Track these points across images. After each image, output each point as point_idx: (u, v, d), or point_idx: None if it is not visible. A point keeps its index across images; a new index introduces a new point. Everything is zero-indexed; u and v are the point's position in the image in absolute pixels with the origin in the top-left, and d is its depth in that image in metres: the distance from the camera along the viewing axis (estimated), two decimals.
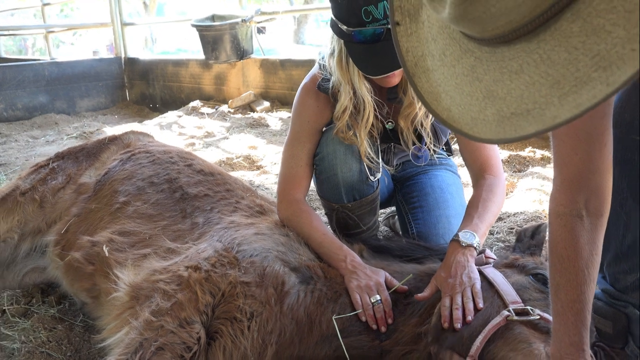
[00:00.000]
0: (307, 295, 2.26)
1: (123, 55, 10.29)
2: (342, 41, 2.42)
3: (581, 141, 1.51)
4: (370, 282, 2.28)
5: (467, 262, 2.25)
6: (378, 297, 2.24)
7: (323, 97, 2.60)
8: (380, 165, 2.69)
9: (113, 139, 3.43)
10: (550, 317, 1.90)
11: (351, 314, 2.24)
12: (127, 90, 10.35)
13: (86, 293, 2.60)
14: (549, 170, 4.36)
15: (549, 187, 4.05)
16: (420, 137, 2.69)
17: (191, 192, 2.77)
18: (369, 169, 2.64)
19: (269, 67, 7.68)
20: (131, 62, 10.18)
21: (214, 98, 8.52)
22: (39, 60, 10.53)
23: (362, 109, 2.51)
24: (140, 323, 2.06)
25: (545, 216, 3.53)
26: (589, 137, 1.49)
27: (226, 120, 7.18)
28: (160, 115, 8.19)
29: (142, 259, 2.42)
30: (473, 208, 2.54)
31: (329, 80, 2.56)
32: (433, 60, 1.26)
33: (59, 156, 3.34)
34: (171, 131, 7.14)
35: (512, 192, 4.16)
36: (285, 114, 7.13)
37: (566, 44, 0.98)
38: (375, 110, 2.55)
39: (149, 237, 2.54)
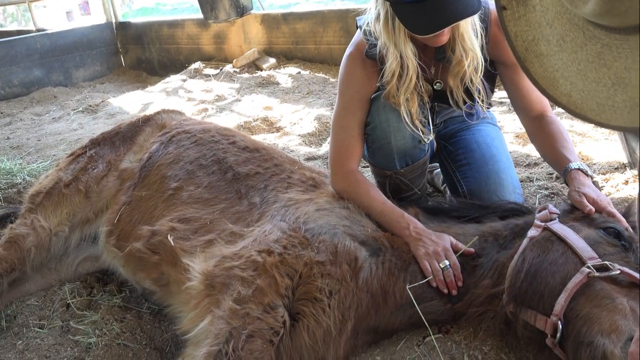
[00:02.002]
0: (379, 268, 2.30)
1: (114, 20, 10.02)
2: (387, 3, 2.37)
3: None
4: (438, 247, 2.31)
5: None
6: (447, 262, 2.28)
7: (370, 64, 2.56)
8: (431, 127, 2.68)
9: (146, 120, 3.39)
10: (630, 272, 1.94)
11: (423, 281, 2.27)
12: (121, 56, 10.13)
13: (152, 282, 2.62)
14: None
15: (578, 126, 4.06)
16: (468, 94, 2.66)
17: (242, 172, 2.76)
18: (421, 132, 2.63)
19: (271, 22, 7.51)
20: (123, 26, 9.92)
21: (215, 58, 8.35)
22: (29, 32, 10.21)
23: (406, 73, 2.48)
24: (224, 312, 2.09)
25: (582, 158, 3.54)
26: None
27: (234, 81, 7.07)
28: (163, 80, 8.05)
29: (208, 245, 2.43)
30: (564, 141, 2.57)
31: (375, 45, 2.51)
32: (548, 45, 1.23)
33: (95, 142, 3.32)
34: (179, 97, 7.04)
35: None
36: (293, 69, 7.02)
37: None
38: (419, 73, 2.51)
39: (210, 222, 2.55)
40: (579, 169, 2.41)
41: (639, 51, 1.07)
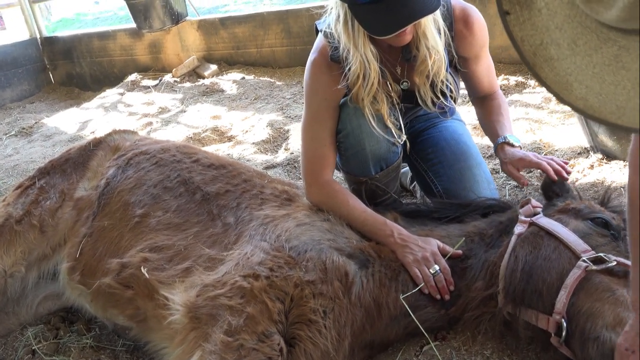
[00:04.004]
0: (369, 280, 2.22)
1: (38, 36, 9.51)
2: (346, 5, 2.29)
3: None
4: (426, 253, 2.26)
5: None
6: (437, 267, 2.22)
7: (336, 67, 2.48)
8: (403, 128, 2.62)
9: (97, 143, 3.19)
10: (626, 261, 1.93)
11: (415, 290, 2.21)
12: (50, 73, 9.64)
13: (127, 318, 2.45)
14: (528, 97, 4.40)
15: (534, 114, 4.11)
16: (435, 92, 2.61)
17: (211, 191, 2.62)
18: (395, 133, 2.57)
19: (208, 27, 7.29)
20: (49, 41, 9.44)
21: (152, 68, 8.05)
22: None
23: (368, 75, 2.40)
24: (216, 346, 1.95)
25: (544, 145, 3.58)
26: None
27: (176, 91, 6.82)
28: (99, 96, 7.69)
29: (187, 274, 2.28)
30: (499, 115, 2.68)
31: (338, 48, 2.42)
32: (559, 49, 1.18)
33: (43, 172, 3.09)
34: (119, 112, 6.74)
35: None
36: (237, 75, 6.84)
37: None
38: (382, 74, 2.45)
39: (185, 249, 2.40)
40: (504, 142, 2.51)
41: None
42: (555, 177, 2.27)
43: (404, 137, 2.62)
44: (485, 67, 2.68)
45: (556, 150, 3.45)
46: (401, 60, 2.54)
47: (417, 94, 2.60)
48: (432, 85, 2.55)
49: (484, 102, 2.78)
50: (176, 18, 7.20)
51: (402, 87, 2.61)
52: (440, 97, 2.59)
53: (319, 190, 2.52)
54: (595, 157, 3.17)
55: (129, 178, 2.79)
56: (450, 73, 2.58)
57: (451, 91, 2.54)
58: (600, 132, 3.06)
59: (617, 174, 2.99)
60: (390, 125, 2.51)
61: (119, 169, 2.88)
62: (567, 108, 4.05)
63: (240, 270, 2.16)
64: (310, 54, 2.56)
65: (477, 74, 2.71)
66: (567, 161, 2.38)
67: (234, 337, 1.96)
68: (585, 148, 3.34)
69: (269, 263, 2.15)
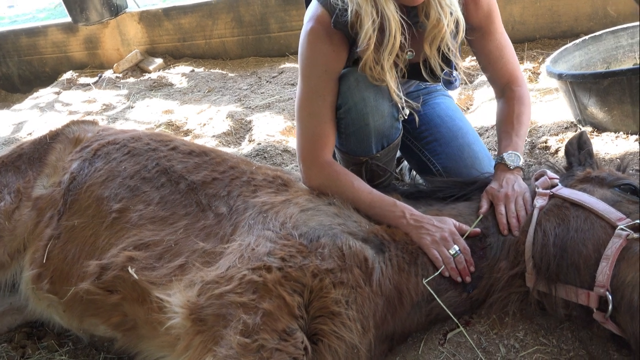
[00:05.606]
0: (388, 266, 2.03)
1: None
2: None
3: None
4: (444, 233, 2.09)
5: (517, 178, 2.24)
6: (456, 247, 2.07)
7: (338, 37, 2.26)
8: (403, 100, 2.43)
9: (54, 136, 2.85)
10: None
11: (436, 273, 2.04)
12: None
13: (112, 327, 2.15)
14: None
15: None
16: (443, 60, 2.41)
17: (196, 180, 2.35)
18: (399, 106, 2.38)
19: (151, 19, 6.87)
20: None
21: (89, 65, 7.54)
22: None
23: (388, 32, 2.15)
24: (232, 349, 1.71)
25: None
26: None
27: (119, 87, 6.38)
28: (31, 97, 7.12)
29: (182, 272, 2.02)
30: (509, 125, 2.44)
31: (346, 10, 2.19)
32: None
33: None
34: (57, 111, 6.24)
35: (472, 104, 4.08)
36: (185, 68, 6.48)
37: None
38: (404, 30, 2.18)
39: (175, 244, 2.13)
40: (500, 162, 2.31)
41: None
42: (505, 232, 2.08)
43: (407, 111, 2.42)
44: (496, 44, 2.44)
45: (540, 127, 3.36)
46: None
47: (421, 64, 2.39)
48: (442, 53, 2.35)
49: (501, 100, 2.54)
50: (115, 10, 6.76)
51: (407, 56, 2.41)
52: (450, 65, 2.38)
53: (319, 173, 2.30)
54: (585, 130, 3.09)
55: (99, 170, 2.48)
56: (464, 38, 2.39)
57: (457, 58, 2.36)
58: (590, 104, 2.99)
59: (609, 146, 2.92)
60: (396, 98, 2.32)
61: (85, 161, 2.56)
62: (541, 85, 4.01)
63: (247, 262, 1.92)
64: (305, 24, 2.32)
65: (487, 51, 2.47)
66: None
67: (252, 338, 1.72)
68: (572, 122, 3.26)
69: (279, 253, 1.92)
